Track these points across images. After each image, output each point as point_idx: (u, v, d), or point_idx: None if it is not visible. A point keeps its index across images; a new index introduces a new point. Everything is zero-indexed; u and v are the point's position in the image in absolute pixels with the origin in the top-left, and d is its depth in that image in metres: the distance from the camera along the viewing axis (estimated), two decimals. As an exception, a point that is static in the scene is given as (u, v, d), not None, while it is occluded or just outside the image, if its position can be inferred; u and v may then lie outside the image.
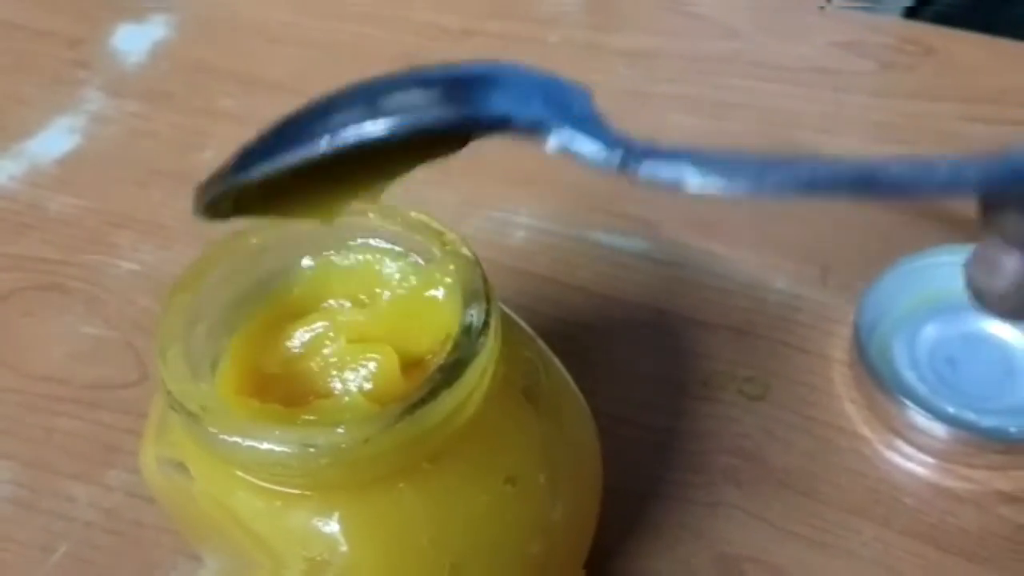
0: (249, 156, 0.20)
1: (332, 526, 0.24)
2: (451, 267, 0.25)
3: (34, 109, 0.52)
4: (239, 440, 0.22)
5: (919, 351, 0.37)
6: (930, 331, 0.38)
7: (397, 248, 0.27)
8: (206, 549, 0.30)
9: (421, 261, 0.27)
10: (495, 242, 0.43)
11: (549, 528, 0.26)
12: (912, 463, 0.35)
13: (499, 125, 0.18)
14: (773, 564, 0.33)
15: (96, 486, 0.36)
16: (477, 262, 0.25)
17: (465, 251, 0.25)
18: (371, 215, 0.27)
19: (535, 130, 0.18)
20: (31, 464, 0.37)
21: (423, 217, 0.26)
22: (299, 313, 0.27)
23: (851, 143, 0.47)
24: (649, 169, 0.17)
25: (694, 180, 0.17)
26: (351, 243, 0.27)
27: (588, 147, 0.18)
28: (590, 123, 0.18)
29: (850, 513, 0.34)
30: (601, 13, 0.57)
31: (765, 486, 0.35)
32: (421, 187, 0.46)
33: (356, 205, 0.27)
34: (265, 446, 0.22)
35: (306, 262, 0.27)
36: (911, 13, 0.55)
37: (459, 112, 0.18)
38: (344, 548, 0.24)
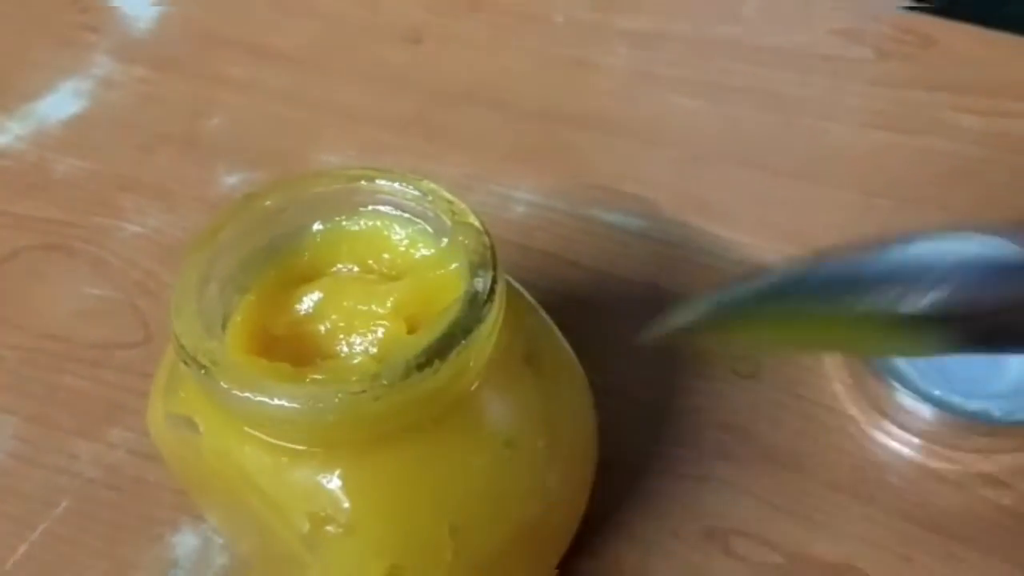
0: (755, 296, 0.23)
1: (335, 483, 0.24)
2: (459, 236, 0.26)
3: (42, 71, 0.53)
4: (249, 395, 0.23)
5: (909, 335, 0.38)
6: (920, 316, 0.38)
7: (406, 215, 0.28)
8: (209, 506, 0.31)
9: (430, 229, 0.27)
10: (495, 216, 0.44)
11: (545, 493, 0.27)
12: (898, 443, 0.36)
13: None
14: (760, 537, 0.33)
15: (98, 443, 0.37)
16: (485, 231, 0.26)
17: (473, 220, 0.26)
18: (381, 182, 0.27)
19: None
20: (34, 420, 0.38)
21: (433, 186, 0.27)
22: (309, 276, 0.27)
23: (848, 130, 0.48)
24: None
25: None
26: (362, 209, 0.28)
27: None
28: None
29: (836, 490, 0.35)
30: (606, -6, 0.57)
31: (754, 462, 0.35)
32: (422, 161, 0.47)
33: (366, 171, 0.28)
34: (275, 402, 0.23)
35: (317, 226, 0.28)
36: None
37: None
38: (346, 504, 0.24)
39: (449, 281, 0.26)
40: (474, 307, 0.24)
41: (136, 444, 0.37)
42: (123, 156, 0.48)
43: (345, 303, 0.26)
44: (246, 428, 0.24)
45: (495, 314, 0.25)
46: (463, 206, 0.27)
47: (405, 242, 0.28)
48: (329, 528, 0.25)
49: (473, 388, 0.25)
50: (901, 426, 0.36)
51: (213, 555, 0.34)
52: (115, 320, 0.41)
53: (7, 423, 0.38)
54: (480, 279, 0.25)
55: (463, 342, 0.24)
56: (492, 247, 0.26)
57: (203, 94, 0.51)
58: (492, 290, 0.25)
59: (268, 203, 0.27)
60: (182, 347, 0.24)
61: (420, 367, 0.23)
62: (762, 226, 0.43)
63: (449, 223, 0.26)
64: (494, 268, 0.25)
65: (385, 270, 0.28)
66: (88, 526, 0.35)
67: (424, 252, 0.27)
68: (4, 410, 0.38)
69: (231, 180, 0.47)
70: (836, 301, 0.20)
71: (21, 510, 0.35)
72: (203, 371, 0.23)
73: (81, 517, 0.35)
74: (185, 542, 0.34)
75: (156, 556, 0.34)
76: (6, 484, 0.36)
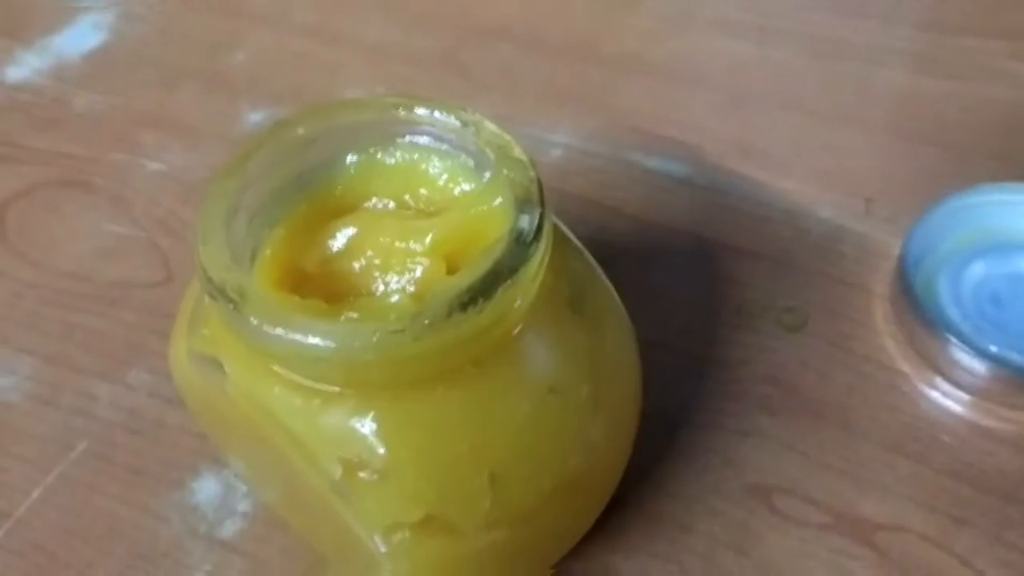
0: None
1: (370, 427, 0.23)
2: (504, 170, 0.24)
3: (60, 4, 0.51)
4: (281, 333, 0.21)
5: (964, 289, 0.36)
6: (976, 269, 0.36)
7: (446, 147, 0.26)
8: (233, 451, 0.30)
9: (471, 163, 0.26)
10: (533, 159, 0.42)
11: (589, 443, 0.26)
12: (951, 401, 0.34)
13: None
14: (805, 495, 0.32)
15: (117, 385, 0.36)
16: (532, 165, 0.24)
17: (519, 153, 0.24)
18: (420, 111, 0.26)
19: None
20: (51, 360, 0.37)
21: (476, 116, 0.25)
22: (342, 211, 0.26)
23: (898, 76, 0.46)
24: None
25: None
26: (398, 140, 0.26)
27: None
28: None
29: (886, 448, 0.33)
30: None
31: (799, 417, 0.34)
32: (454, 99, 0.45)
33: (403, 99, 0.26)
34: (308, 340, 0.21)
35: (351, 158, 0.26)
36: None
37: None
38: (381, 450, 0.23)
39: (492, 218, 0.24)
40: (520, 246, 0.23)
41: (156, 387, 0.35)
42: (144, 91, 0.46)
43: (381, 239, 0.25)
44: (275, 368, 0.23)
45: (542, 254, 0.23)
46: (508, 137, 0.25)
47: (445, 176, 0.26)
48: (362, 474, 0.23)
49: (517, 331, 0.24)
50: (955, 383, 0.34)
51: (235, 502, 0.32)
52: (135, 259, 0.40)
53: (24, 363, 0.36)
54: (526, 216, 0.23)
55: (508, 282, 0.22)
56: (539, 182, 0.24)
57: (227, 28, 0.49)
58: (539, 228, 0.23)
59: (300, 131, 0.25)
60: (209, 279, 0.22)
61: (463, 306, 0.21)
62: (808, 173, 0.41)
63: (492, 156, 0.25)
64: (541, 204, 0.23)
65: (423, 206, 0.26)
66: (106, 470, 0.34)
67: (465, 187, 0.26)
68: (21, 350, 0.37)
69: (255, 117, 0.45)
70: None
71: (37, 453, 0.34)
72: (231, 305, 0.22)
73: (99, 461, 0.34)
74: (206, 488, 0.33)
75: (176, 502, 0.33)
76: (22, 426, 0.35)
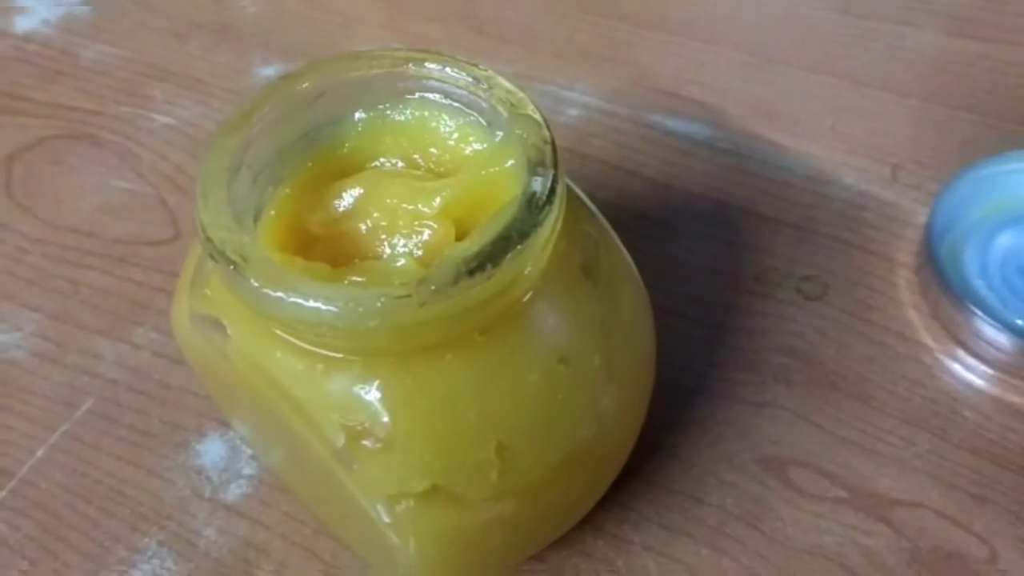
0: None
1: (374, 394, 0.22)
2: (517, 129, 0.23)
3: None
4: (282, 296, 0.21)
5: (991, 259, 0.35)
6: (1004, 240, 0.35)
7: (457, 105, 0.25)
8: (236, 415, 0.29)
9: (483, 121, 0.25)
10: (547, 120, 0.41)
11: (600, 414, 0.25)
12: (974, 375, 0.33)
13: None
14: (820, 468, 0.31)
15: (123, 343, 0.35)
16: (546, 125, 0.23)
17: (533, 112, 0.23)
18: (430, 65, 0.24)
19: None
20: (57, 317, 0.36)
21: (488, 72, 0.24)
22: (348, 170, 0.25)
23: (930, 36, 0.44)
24: None
25: None
26: (408, 97, 0.25)
27: None
28: None
29: (905, 422, 0.32)
30: None
31: (817, 388, 0.33)
32: (470, 55, 0.44)
33: (413, 53, 0.25)
34: (310, 304, 0.20)
35: (358, 115, 0.25)
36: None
37: None
38: (386, 418, 0.22)
39: (503, 180, 0.23)
40: (532, 209, 0.22)
41: (162, 346, 0.35)
42: (154, 43, 0.45)
43: (388, 200, 0.24)
44: (277, 331, 0.22)
45: (554, 218, 0.22)
46: (521, 95, 0.24)
47: (455, 135, 0.25)
48: (366, 442, 0.22)
49: (527, 299, 0.23)
50: (978, 356, 0.33)
51: (241, 464, 0.32)
52: (143, 215, 0.39)
53: (29, 320, 0.36)
54: (539, 178, 0.22)
55: (518, 247, 0.21)
56: (553, 143, 0.23)
57: (238, -20, 0.48)
58: (552, 191, 0.22)
59: (305, 86, 0.24)
60: (209, 240, 0.21)
61: (471, 272, 0.21)
62: (834, 137, 0.40)
63: (505, 115, 0.24)
64: (555, 167, 0.22)
65: (432, 166, 0.25)
66: (110, 430, 0.33)
67: (476, 147, 0.25)
68: (26, 306, 0.36)
69: (267, 71, 0.44)
70: None
71: (41, 411, 0.34)
72: (232, 267, 0.21)
73: (103, 420, 0.33)
74: (211, 450, 0.32)
75: (181, 463, 0.32)
76: (26, 383, 0.34)
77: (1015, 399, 0.33)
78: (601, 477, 0.28)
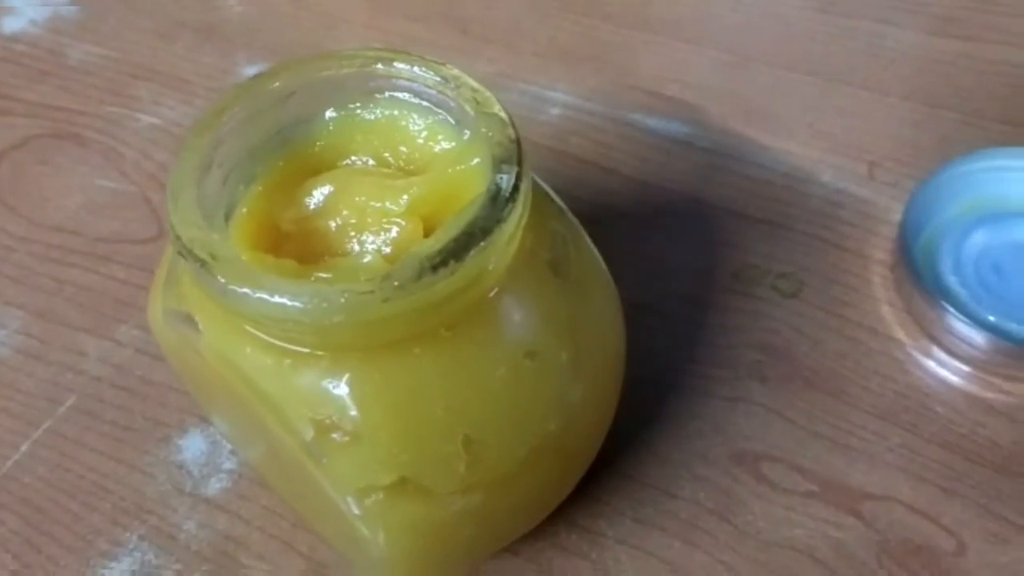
0: None
1: (342, 388, 0.23)
2: (483, 127, 0.24)
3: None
4: (249, 292, 0.21)
5: (965, 256, 0.35)
6: (978, 237, 0.36)
7: (426, 104, 0.25)
8: (213, 410, 0.29)
9: (452, 120, 0.25)
10: (528, 118, 0.41)
11: (567, 408, 0.25)
12: (946, 370, 0.34)
13: None
14: (793, 463, 0.32)
15: (106, 340, 0.36)
16: (511, 123, 0.24)
17: (498, 110, 0.24)
18: (399, 65, 0.25)
19: None
20: (41, 315, 0.36)
21: (456, 72, 0.25)
22: (319, 168, 0.25)
23: (910, 35, 0.45)
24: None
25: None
26: (378, 96, 0.26)
27: None
28: None
29: (877, 417, 0.33)
30: None
31: (791, 384, 0.33)
32: (449, 55, 0.45)
33: (382, 53, 0.25)
34: (276, 300, 0.21)
35: (329, 113, 0.26)
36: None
37: None
38: (353, 412, 0.23)
39: (470, 178, 0.24)
40: (496, 205, 0.22)
41: (145, 343, 0.35)
42: (139, 43, 0.46)
43: (357, 199, 0.24)
44: (247, 327, 0.23)
45: (518, 214, 0.22)
46: (488, 94, 0.24)
47: (424, 134, 0.25)
48: (335, 436, 0.23)
49: (492, 294, 0.23)
50: (951, 352, 0.34)
51: (221, 459, 0.32)
52: (126, 214, 0.39)
53: (14, 317, 0.36)
54: (503, 176, 0.23)
55: (482, 243, 0.21)
56: (518, 140, 0.23)
57: (224, -20, 0.49)
58: (516, 188, 0.22)
59: (276, 85, 0.25)
60: (178, 237, 0.22)
61: (434, 268, 0.21)
62: (812, 135, 0.41)
63: (472, 113, 0.24)
64: (519, 164, 0.23)
65: (402, 164, 0.26)
66: (93, 426, 0.34)
67: (444, 145, 0.25)
68: (11, 304, 0.37)
69: (251, 71, 0.44)
70: None
71: (25, 407, 0.34)
72: (200, 264, 0.21)
73: (86, 416, 0.34)
74: (193, 445, 0.33)
75: (163, 458, 0.33)
76: (10, 379, 0.35)
77: (986, 394, 0.33)
78: (569, 471, 0.28)
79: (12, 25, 0.47)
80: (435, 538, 0.25)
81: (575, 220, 0.27)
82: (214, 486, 0.32)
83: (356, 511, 0.24)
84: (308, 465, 0.24)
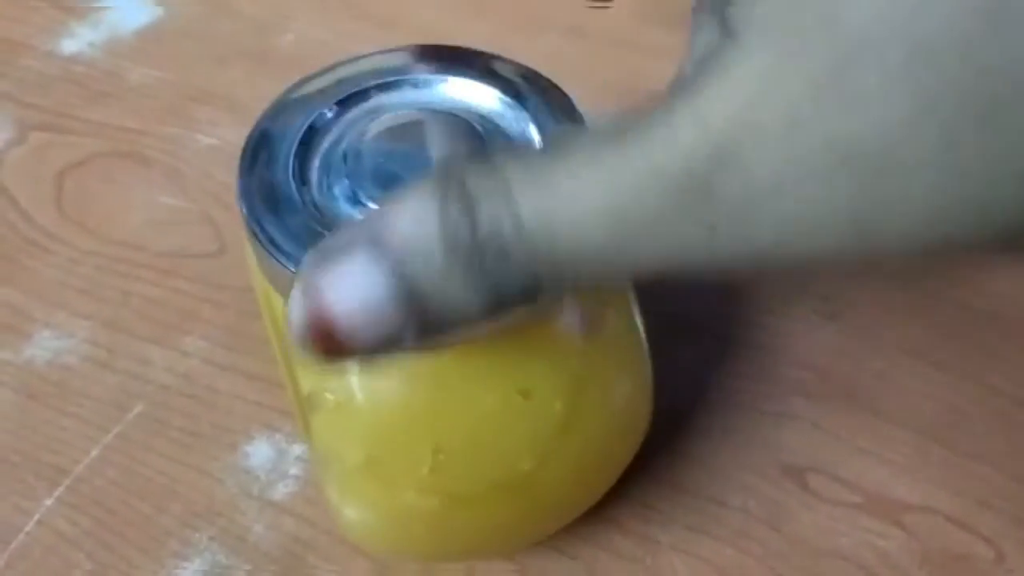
0: None
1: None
2: None
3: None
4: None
5: (996, 282, 0.37)
6: (1010, 263, 0.37)
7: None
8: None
9: None
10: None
11: (547, 454, 0.26)
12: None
13: None
14: (836, 475, 0.33)
15: (172, 350, 0.37)
16: None
17: None
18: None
19: None
20: (108, 325, 0.38)
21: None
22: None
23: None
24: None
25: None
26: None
27: None
28: None
29: (919, 434, 0.34)
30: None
31: (834, 402, 0.35)
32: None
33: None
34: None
35: None
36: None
37: None
38: (353, 378, 0.25)
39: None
40: None
41: (210, 353, 0.37)
42: (196, 68, 0.47)
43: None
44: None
45: None
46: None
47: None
48: (328, 395, 0.25)
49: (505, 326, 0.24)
50: (985, 373, 0.35)
51: (288, 465, 0.34)
52: (189, 230, 0.41)
53: (82, 327, 0.38)
54: None
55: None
56: None
57: (277, 8, 0.50)
58: None
59: None
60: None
61: None
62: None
63: None
64: None
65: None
66: (161, 432, 0.35)
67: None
68: (78, 314, 0.38)
69: (305, 96, 0.46)
70: None
71: (94, 413, 0.35)
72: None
73: (154, 423, 0.35)
74: (260, 452, 0.34)
75: (230, 464, 0.34)
76: (80, 387, 0.36)
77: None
78: (543, 515, 0.29)
79: (70, 47, 0.49)
80: (391, 524, 0.27)
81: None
82: (281, 490, 0.33)
83: (328, 476, 0.26)
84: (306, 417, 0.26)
